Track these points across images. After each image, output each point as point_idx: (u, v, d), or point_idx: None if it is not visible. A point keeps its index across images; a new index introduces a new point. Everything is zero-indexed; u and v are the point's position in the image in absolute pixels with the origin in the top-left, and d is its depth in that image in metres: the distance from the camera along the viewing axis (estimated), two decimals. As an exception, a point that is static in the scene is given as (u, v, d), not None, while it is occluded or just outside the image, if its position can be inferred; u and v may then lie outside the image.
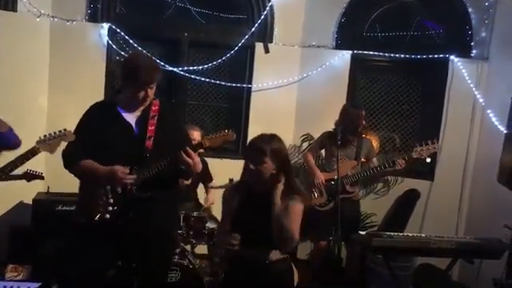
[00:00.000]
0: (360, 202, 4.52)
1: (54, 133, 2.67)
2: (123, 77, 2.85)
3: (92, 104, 2.95)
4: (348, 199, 4.18)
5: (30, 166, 3.03)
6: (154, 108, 2.90)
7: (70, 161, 2.79)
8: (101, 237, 2.80)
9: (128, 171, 2.75)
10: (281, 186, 2.66)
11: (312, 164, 4.39)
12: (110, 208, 2.77)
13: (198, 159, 2.82)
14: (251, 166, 2.66)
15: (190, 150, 2.75)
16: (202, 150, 2.88)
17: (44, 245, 4.05)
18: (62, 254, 3.80)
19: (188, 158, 2.74)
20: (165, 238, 3.01)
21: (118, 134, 2.82)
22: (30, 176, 3.39)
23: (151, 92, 2.82)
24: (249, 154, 2.73)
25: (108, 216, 2.77)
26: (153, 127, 2.85)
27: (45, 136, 2.68)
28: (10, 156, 2.83)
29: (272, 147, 2.66)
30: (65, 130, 2.68)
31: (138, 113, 2.88)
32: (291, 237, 2.60)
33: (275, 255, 2.70)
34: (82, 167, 2.77)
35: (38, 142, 2.66)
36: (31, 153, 2.67)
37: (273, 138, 2.72)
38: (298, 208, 2.67)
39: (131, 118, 2.87)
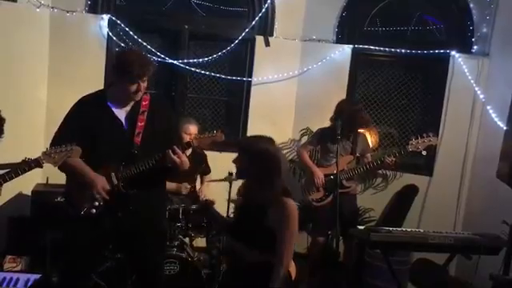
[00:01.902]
0: (357, 196, 4.53)
1: (61, 147, 2.66)
2: (116, 71, 2.84)
3: (82, 96, 2.93)
4: (345, 194, 4.18)
5: (30, 155, 3.01)
6: (144, 103, 2.89)
7: None
8: (93, 230, 2.82)
9: (108, 188, 2.75)
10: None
11: (309, 161, 4.39)
12: (96, 203, 2.78)
13: (185, 158, 2.83)
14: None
15: (178, 149, 2.75)
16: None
17: (42, 236, 4.04)
18: (60, 245, 3.81)
19: (175, 157, 2.74)
20: (154, 234, 3.00)
21: (107, 129, 2.82)
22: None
23: (143, 86, 2.81)
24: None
25: (94, 211, 2.78)
26: (142, 123, 2.84)
27: (51, 149, 2.67)
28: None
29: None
30: (72, 144, 2.66)
31: (128, 108, 2.87)
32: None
33: (254, 257, 2.61)
34: (68, 164, 2.74)
35: (43, 154, 2.65)
36: (34, 163, 2.65)
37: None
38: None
39: (121, 113, 2.86)
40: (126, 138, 2.82)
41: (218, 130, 2.95)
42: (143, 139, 2.82)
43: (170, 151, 2.73)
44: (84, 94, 2.96)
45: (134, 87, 2.77)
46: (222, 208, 4.52)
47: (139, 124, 2.83)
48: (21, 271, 3.99)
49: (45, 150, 2.66)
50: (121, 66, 2.78)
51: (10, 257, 4.15)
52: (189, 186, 4.21)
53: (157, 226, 3.08)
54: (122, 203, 2.80)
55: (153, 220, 2.99)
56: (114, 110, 2.84)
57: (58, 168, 2.78)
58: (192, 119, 4.45)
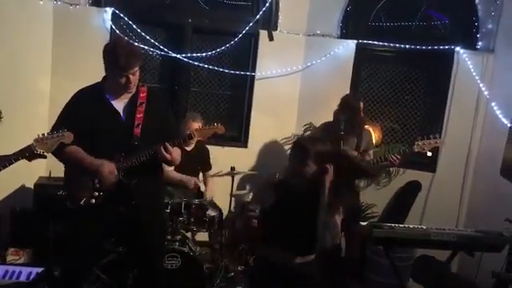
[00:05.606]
0: (359, 192, 4.51)
1: (53, 132, 2.65)
2: (105, 63, 2.82)
3: (80, 88, 2.93)
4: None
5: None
6: (141, 95, 2.89)
7: None
8: (95, 223, 2.82)
9: (115, 171, 2.75)
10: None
11: None
12: (96, 193, 2.78)
13: (176, 154, 2.85)
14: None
15: (168, 145, 2.76)
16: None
17: (45, 229, 4.05)
18: (62, 238, 3.81)
19: (166, 154, 2.75)
20: (153, 224, 3.01)
21: (105, 121, 2.82)
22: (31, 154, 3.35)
23: (134, 78, 2.79)
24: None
25: (93, 201, 2.78)
26: (141, 114, 2.84)
27: (43, 135, 2.66)
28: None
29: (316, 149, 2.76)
30: (64, 130, 2.66)
31: (125, 100, 2.88)
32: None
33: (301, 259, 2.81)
34: (67, 154, 2.75)
35: (35, 141, 2.63)
36: (27, 151, 2.64)
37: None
38: None
39: (119, 105, 2.86)
40: (125, 130, 2.82)
41: (218, 122, 2.98)
42: (143, 130, 2.83)
43: (162, 148, 2.74)
44: (86, 86, 2.96)
45: (123, 80, 2.76)
46: (224, 202, 4.53)
47: (138, 116, 2.83)
48: (24, 264, 4.00)
49: (36, 136, 2.65)
50: (108, 58, 2.77)
51: (12, 249, 4.15)
52: (193, 180, 4.18)
53: (157, 219, 3.09)
54: (124, 197, 2.80)
55: (153, 214, 2.99)
56: (112, 101, 2.85)
57: (60, 159, 2.79)
58: (197, 114, 4.42)
